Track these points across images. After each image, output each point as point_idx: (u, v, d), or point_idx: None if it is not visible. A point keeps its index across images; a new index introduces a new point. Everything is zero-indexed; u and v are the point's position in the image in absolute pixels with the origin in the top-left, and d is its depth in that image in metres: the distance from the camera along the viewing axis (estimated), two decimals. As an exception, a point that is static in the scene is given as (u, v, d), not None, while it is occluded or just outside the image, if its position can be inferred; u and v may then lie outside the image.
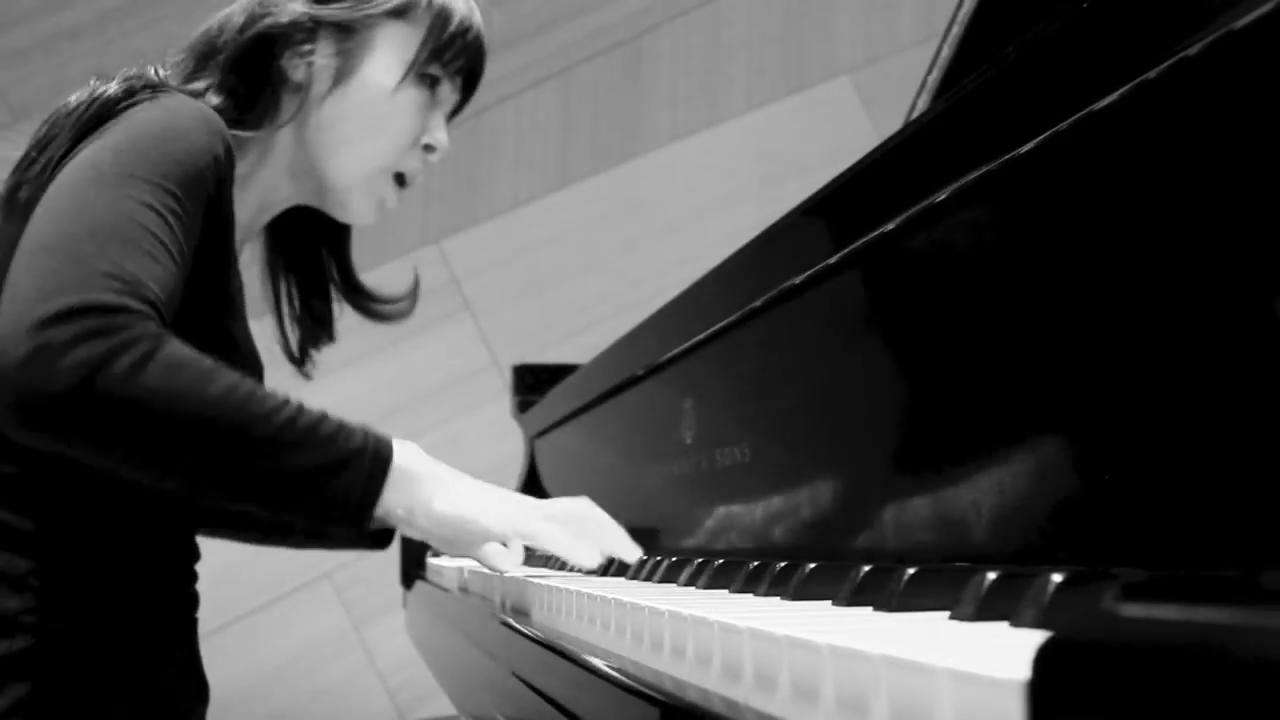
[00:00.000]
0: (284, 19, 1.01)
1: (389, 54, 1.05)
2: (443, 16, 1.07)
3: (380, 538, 1.28)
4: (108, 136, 0.87)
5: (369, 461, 0.85)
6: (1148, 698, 0.24)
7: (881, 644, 0.38)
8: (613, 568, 1.05)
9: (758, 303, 0.93)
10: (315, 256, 1.19)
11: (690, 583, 0.84)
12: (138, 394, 0.75)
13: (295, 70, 1.02)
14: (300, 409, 0.83)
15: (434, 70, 1.07)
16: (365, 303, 1.22)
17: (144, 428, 0.77)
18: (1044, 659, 0.27)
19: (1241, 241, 0.47)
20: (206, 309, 0.91)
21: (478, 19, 1.11)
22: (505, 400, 2.41)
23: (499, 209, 2.97)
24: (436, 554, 1.81)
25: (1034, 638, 0.29)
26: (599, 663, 0.62)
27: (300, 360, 1.20)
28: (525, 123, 3.01)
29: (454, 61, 1.08)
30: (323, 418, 0.84)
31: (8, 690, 0.85)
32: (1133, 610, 0.26)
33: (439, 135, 1.10)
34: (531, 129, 3.01)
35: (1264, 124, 0.46)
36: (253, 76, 1.01)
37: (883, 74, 3.03)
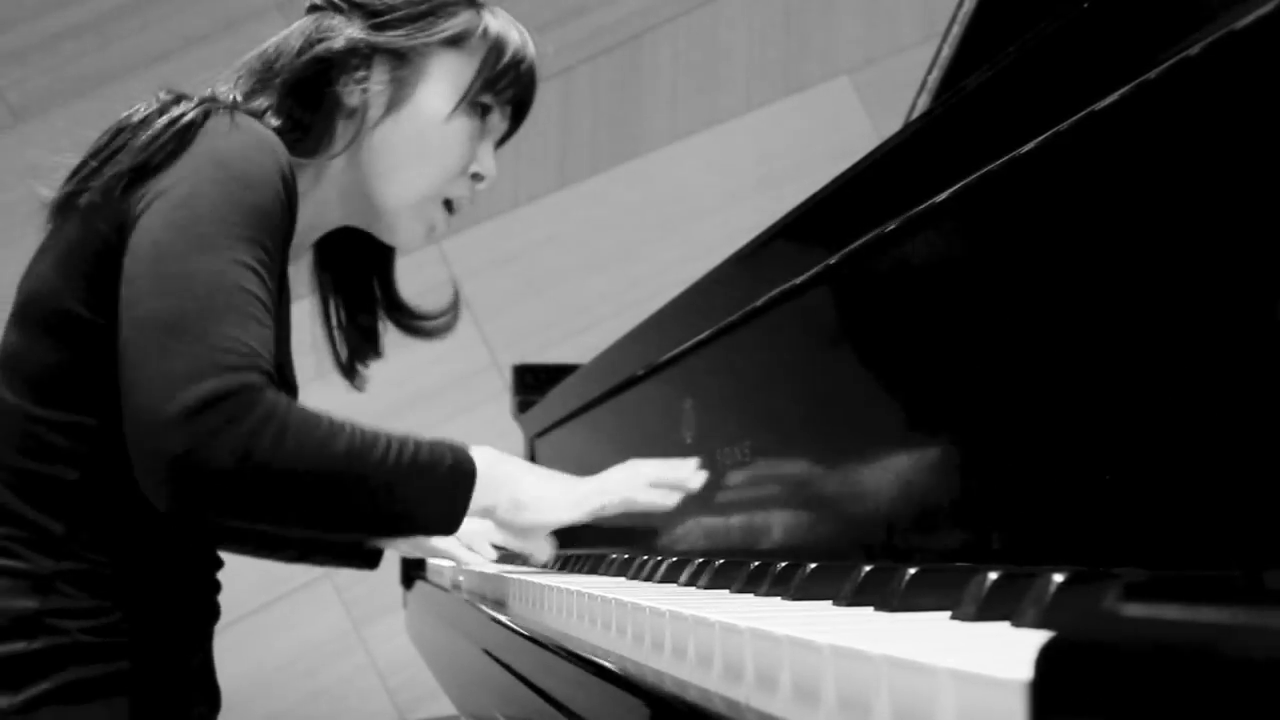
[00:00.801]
0: (340, 44, 1.02)
1: (442, 82, 1.06)
2: (498, 47, 1.08)
3: (371, 557, 1.33)
4: (195, 178, 0.89)
5: (461, 476, 0.94)
6: (1149, 698, 0.24)
7: (883, 644, 0.38)
8: (613, 567, 1.05)
9: (758, 303, 0.93)
10: (363, 275, 1.21)
11: (691, 583, 0.84)
12: (283, 468, 0.83)
13: (350, 96, 1.03)
14: (400, 446, 0.91)
15: (486, 99, 1.08)
16: (408, 321, 1.25)
17: (291, 494, 0.85)
18: (1046, 659, 0.27)
19: (1242, 242, 0.47)
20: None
21: (531, 50, 1.13)
22: (505, 400, 2.41)
23: (499, 209, 2.97)
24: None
25: (1036, 638, 0.29)
26: (601, 662, 0.62)
27: (350, 373, 1.22)
28: (525, 122, 3.01)
29: (506, 91, 1.10)
30: (416, 448, 0.92)
31: (26, 688, 0.87)
32: (1134, 610, 0.26)
33: (487, 163, 1.11)
34: (531, 129, 3.00)
35: (1264, 124, 0.46)
36: (308, 101, 1.02)
37: (883, 74, 3.03)
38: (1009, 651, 0.36)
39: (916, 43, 2.98)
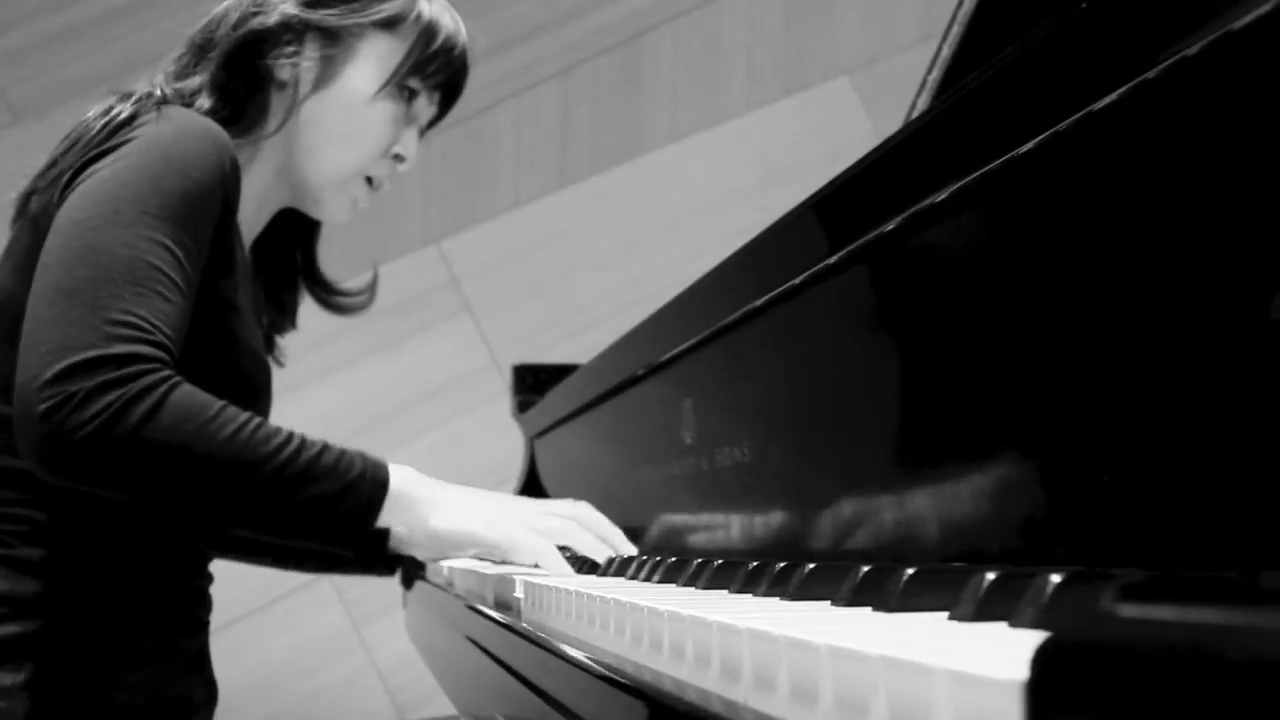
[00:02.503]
0: (273, 20, 1.03)
1: (371, 63, 1.07)
2: (428, 33, 1.09)
3: (391, 563, 1.34)
4: (120, 163, 0.90)
5: (368, 487, 0.91)
6: (1146, 698, 0.24)
7: (880, 644, 0.38)
8: (613, 567, 1.05)
9: (758, 303, 0.93)
10: (287, 251, 1.22)
11: (690, 583, 0.84)
12: (150, 442, 0.81)
13: (280, 70, 1.04)
14: (302, 444, 0.88)
15: (413, 84, 1.09)
16: (327, 295, 1.26)
17: (158, 472, 0.83)
18: (1042, 659, 0.27)
19: (1241, 242, 0.47)
20: (215, 317, 0.94)
21: (463, 37, 1.13)
22: (505, 400, 2.41)
23: (499, 209, 2.97)
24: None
25: (1033, 638, 0.29)
26: (599, 662, 0.62)
27: (269, 347, 1.22)
28: (525, 123, 3.01)
29: (434, 76, 1.11)
30: (323, 450, 0.89)
31: (20, 669, 0.88)
32: (1131, 611, 0.26)
33: (409, 146, 1.13)
34: (531, 129, 3.01)
35: (1264, 124, 0.46)
36: (241, 75, 1.03)
37: (883, 74, 3.03)
38: (1006, 652, 0.36)
39: (916, 43, 2.98)
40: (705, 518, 1.07)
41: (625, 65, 3.05)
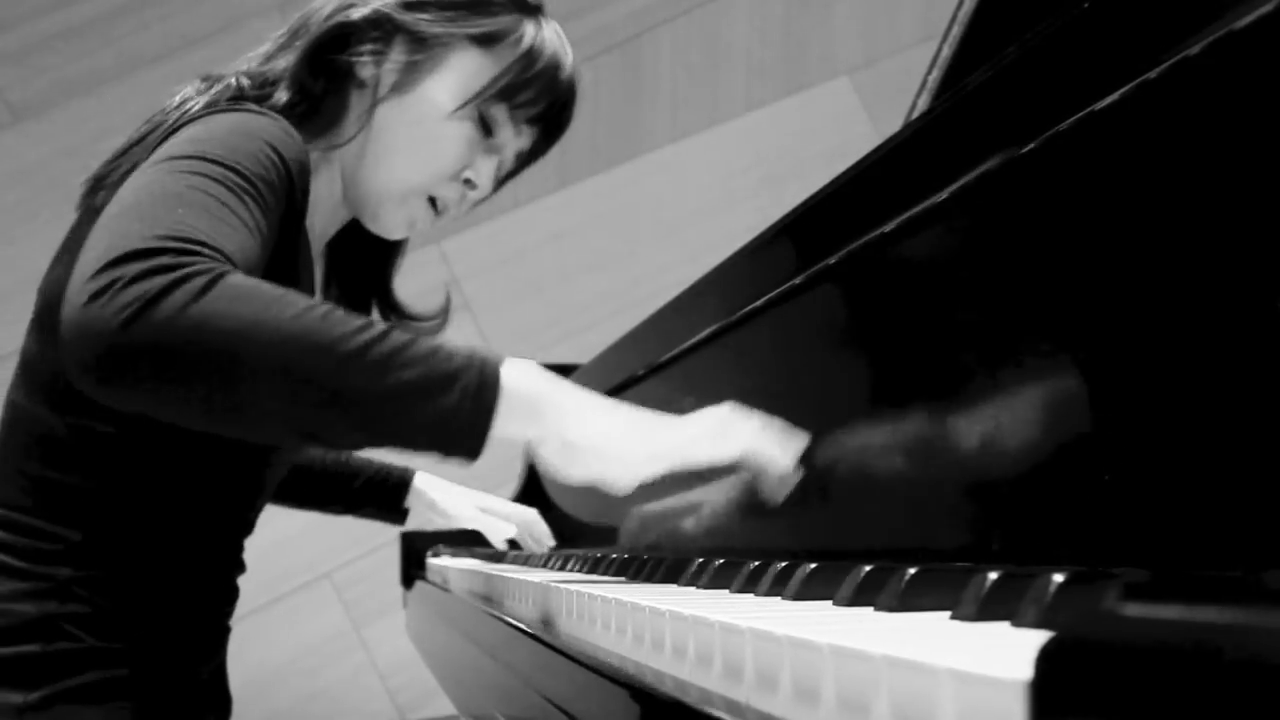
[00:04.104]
0: (362, 13, 0.99)
1: (455, 78, 1.01)
2: (526, 60, 1.02)
3: (397, 511, 1.34)
4: (187, 131, 0.86)
5: (475, 382, 0.72)
6: (1149, 698, 0.24)
7: (883, 644, 0.38)
8: (613, 567, 1.05)
9: (758, 303, 0.93)
10: (362, 270, 1.18)
11: (691, 583, 0.84)
12: (199, 322, 0.66)
13: (362, 68, 1.00)
14: (389, 329, 0.71)
15: (497, 111, 1.03)
16: (401, 321, 1.21)
17: (211, 360, 0.67)
18: (1045, 659, 0.27)
19: (1242, 241, 0.47)
20: None
21: (567, 72, 1.06)
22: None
23: (499, 209, 2.97)
24: (437, 554, 1.81)
25: (1035, 638, 0.29)
26: (600, 662, 0.62)
27: None
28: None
29: (525, 108, 1.04)
30: (415, 339, 0.71)
31: (39, 688, 0.88)
32: (1134, 610, 0.26)
33: (482, 174, 1.05)
34: (531, 129, 3.01)
35: (1264, 124, 0.46)
36: (322, 69, 0.99)
37: (883, 74, 3.03)
38: (1009, 651, 0.36)
39: (916, 43, 2.98)
40: (705, 517, 1.07)
41: (625, 65, 3.05)
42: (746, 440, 0.77)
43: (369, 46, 0.99)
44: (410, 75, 1.00)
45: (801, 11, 3.09)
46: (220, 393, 0.69)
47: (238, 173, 0.80)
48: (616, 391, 1.35)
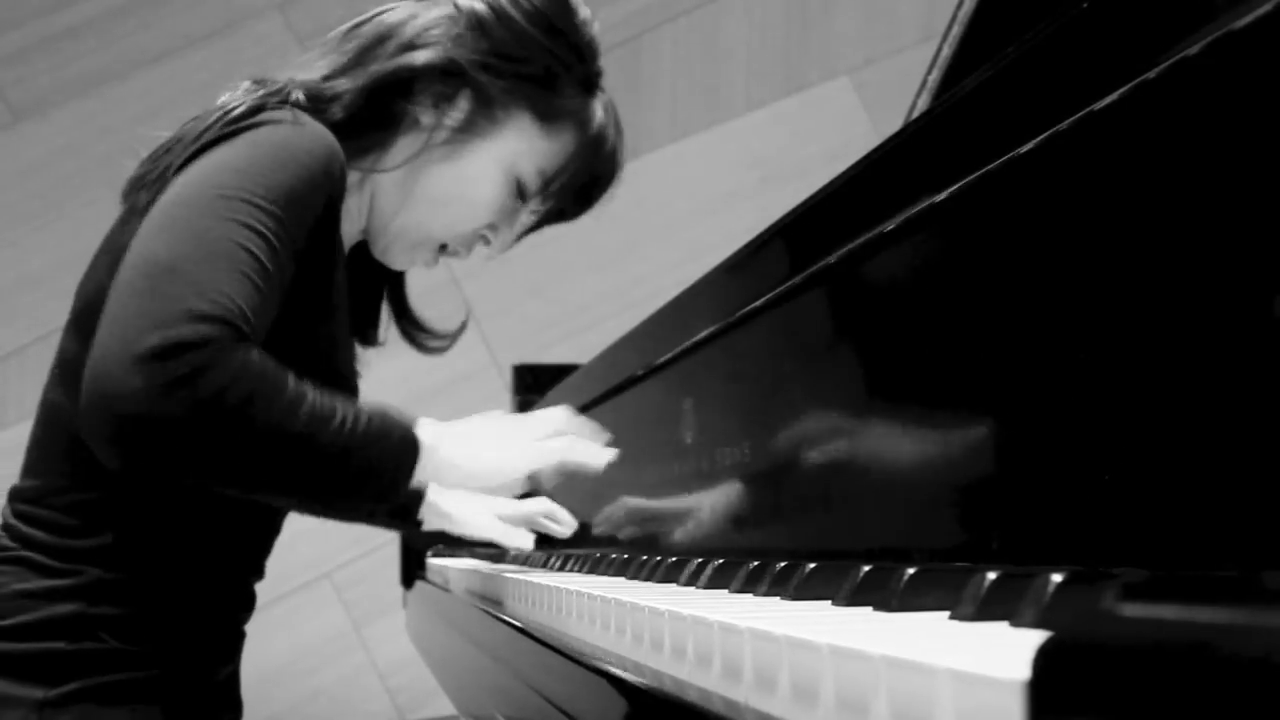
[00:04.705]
0: (436, 58, 0.98)
1: (508, 147, 1.01)
2: (586, 149, 1.03)
3: (412, 517, 1.34)
4: (229, 150, 0.87)
5: (406, 451, 0.89)
6: (1147, 697, 0.24)
7: (881, 644, 0.38)
8: (613, 567, 1.05)
9: (758, 303, 0.93)
10: (375, 277, 1.18)
11: (690, 583, 0.84)
12: (238, 426, 0.78)
13: (423, 114, 0.99)
14: (355, 415, 0.85)
15: (533, 187, 1.03)
16: (412, 330, 1.22)
17: (238, 454, 0.80)
18: (1044, 659, 0.27)
19: (1241, 241, 0.47)
20: (307, 316, 0.92)
21: (610, 147, 1.06)
22: (505, 400, 2.41)
23: (499, 209, 2.97)
24: (437, 554, 1.81)
25: (1034, 638, 0.29)
26: (600, 662, 0.62)
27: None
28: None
29: (570, 189, 1.05)
30: (369, 419, 0.86)
31: (61, 684, 0.88)
32: (1132, 610, 0.26)
33: (503, 237, 1.07)
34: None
35: (1264, 124, 0.46)
36: (381, 102, 0.98)
37: (883, 74, 3.03)
38: (1008, 651, 0.36)
39: (916, 43, 2.98)
40: (705, 517, 1.07)
41: (625, 65, 3.05)
42: (561, 450, 0.99)
43: (434, 94, 0.99)
44: (466, 132, 1.00)
45: (801, 11, 3.09)
46: (232, 474, 0.82)
47: (266, 211, 0.84)
48: (616, 391, 1.35)
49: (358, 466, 0.85)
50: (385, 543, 2.67)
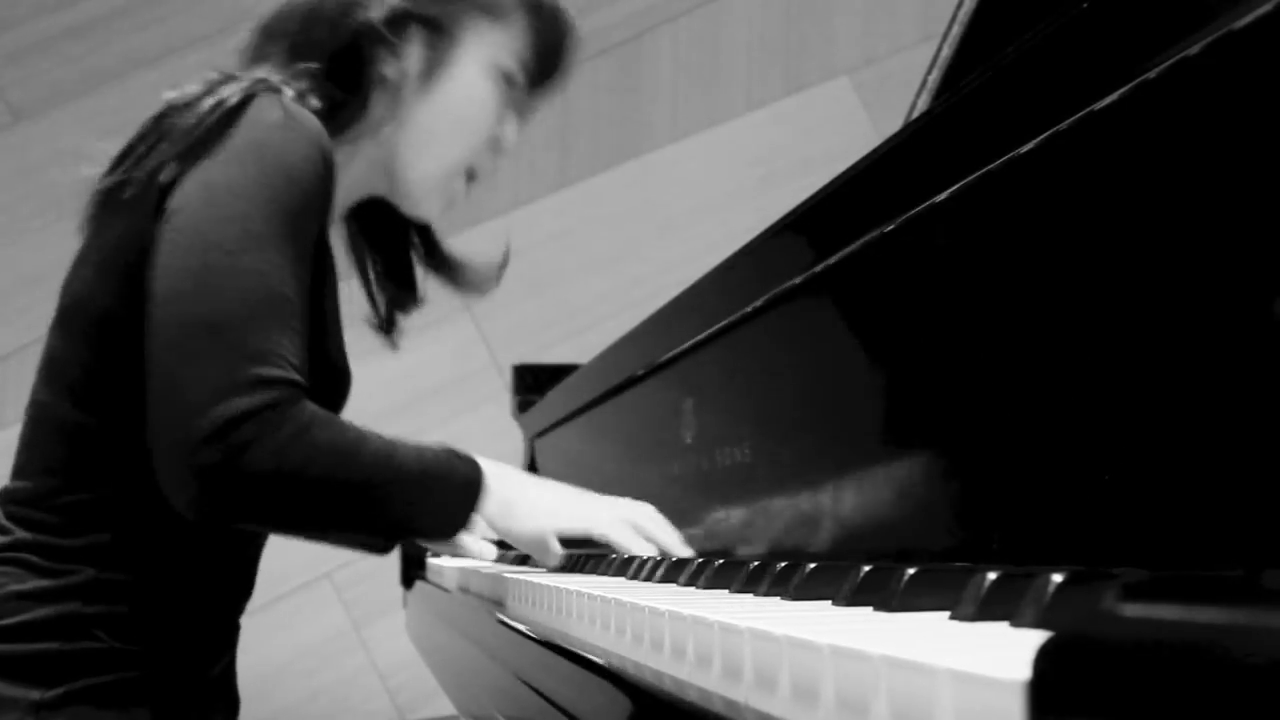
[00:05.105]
0: (374, 13, 0.98)
1: (479, 54, 1.03)
2: (538, 20, 1.06)
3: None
4: (235, 168, 0.86)
5: (469, 489, 0.95)
6: (1148, 697, 0.24)
7: (881, 644, 0.38)
8: (613, 567, 1.05)
9: (758, 303, 0.93)
10: (400, 233, 1.18)
11: (690, 583, 0.84)
12: (310, 480, 0.84)
13: (386, 67, 1.00)
14: (417, 455, 0.91)
15: (518, 74, 1.06)
16: (451, 272, 1.22)
17: (312, 505, 0.86)
18: (1044, 659, 0.27)
19: (1241, 241, 0.47)
20: (314, 321, 0.93)
21: (568, 19, 1.10)
22: (505, 400, 2.41)
23: (499, 209, 2.97)
24: (436, 554, 1.81)
25: (1034, 638, 0.29)
26: (600, 662, 0.62)
27: (388, 328, 1.20)
28: (525, 123, 3.01)
29: (544, 63, 1.08)
30: (434, 458, 0.92)
31: (57, 685, 0.88)
32: (1133, 610, 0.26)
33: (510, 133, 1.10)
34: (531, 129, 3.01)
35: (1264, 124, 0.46)
36: (346, 74, 0.99)
37: (883, 74, 3.03)
38: (1008, 651, 0.36)
39: (916, 43, 2.98)
40: (705, 517, 1.07)
41: (625, 65, 3.05)
42: (607, 527, 1.04)
43: (388, 46, 0.99)
44: (435, 64, 1.01)
45: (801, 11, 3.09)
46: (309, 522, 0.90)
47: (291, 242, 0.86)
48: (616, 391, 1.35)
49: (421, 504, 0.92)
50: (385, 543, 2.67)
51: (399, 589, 1.92)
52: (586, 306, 2.94)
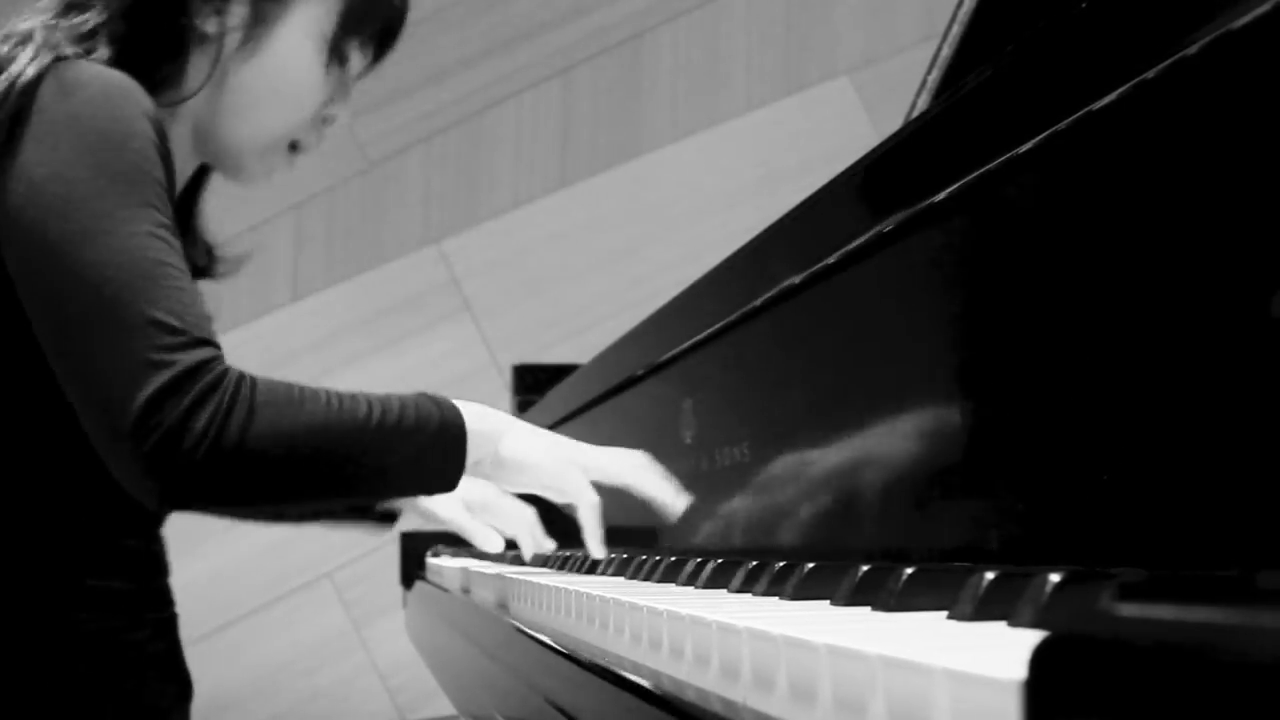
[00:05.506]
0: None
1: (306, 20, 0.98)
2: None
3: (388, 516, 1.29)
4: (59, 152, 0.82)
5: (452, 437, 0.91)
6: (1145, 697, 0.24)
7: (879, 643, 0.38)
8: (612, 567, 1.05)
9: (758, 303, 0.93)
10: (194, 192, 1.12)
11: (689, 582, 0.84)
12: (256, 446, 0.78)
13: (206, 24, 0.95)
14: (384, 407, 0.87)
15: (347, 43, 1.01)
16: (203, 253, 1.14)
17: (271, 473, 0.80)
18: (1041, 659, 0.27)
19: (1241, 241, 0.47)
20: None
21: None
22: (505, 400, 2.41)
23: (499, 209, 2.97)
24: (436, 554, 1.81)
25: (1031, 637, 0.29)
26: (599, 662, 0.62)
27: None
28: (525, 123, 3.01)
29: (370, 28, 1.02)
30: (401, 408, 0.88)
31: None
32: (1130, 610, 0.26)
33: (340, 108, 1.04)
34: (531, 129, 3.01)
35: (1264, 124, 0.46)
36: (154, 25, 0.93)
37: (883, 74, 3.03)
38: (1005, 651, 0.36)
39: (916, 43, 2.98)
40: (705, 517, 1.07)
41: (625, 65, 3.05)
42: (630, 472, 1.00)
43: (209, 3, 0.95)
44: (259, 26, 0.97)
45: (801, 11, 3.09)
46: (276, 493, 0.82)
47: (151, 207, 0.82)
48: (616, 391, 1.35)
49: (401, 458, 0.87)
50: (385, 543, 2.67)
51: (399, 589, 1.92)
52: (586, 306, 2.94)
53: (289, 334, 2.84)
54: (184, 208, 1.10)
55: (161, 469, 0.77)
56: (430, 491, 0.92)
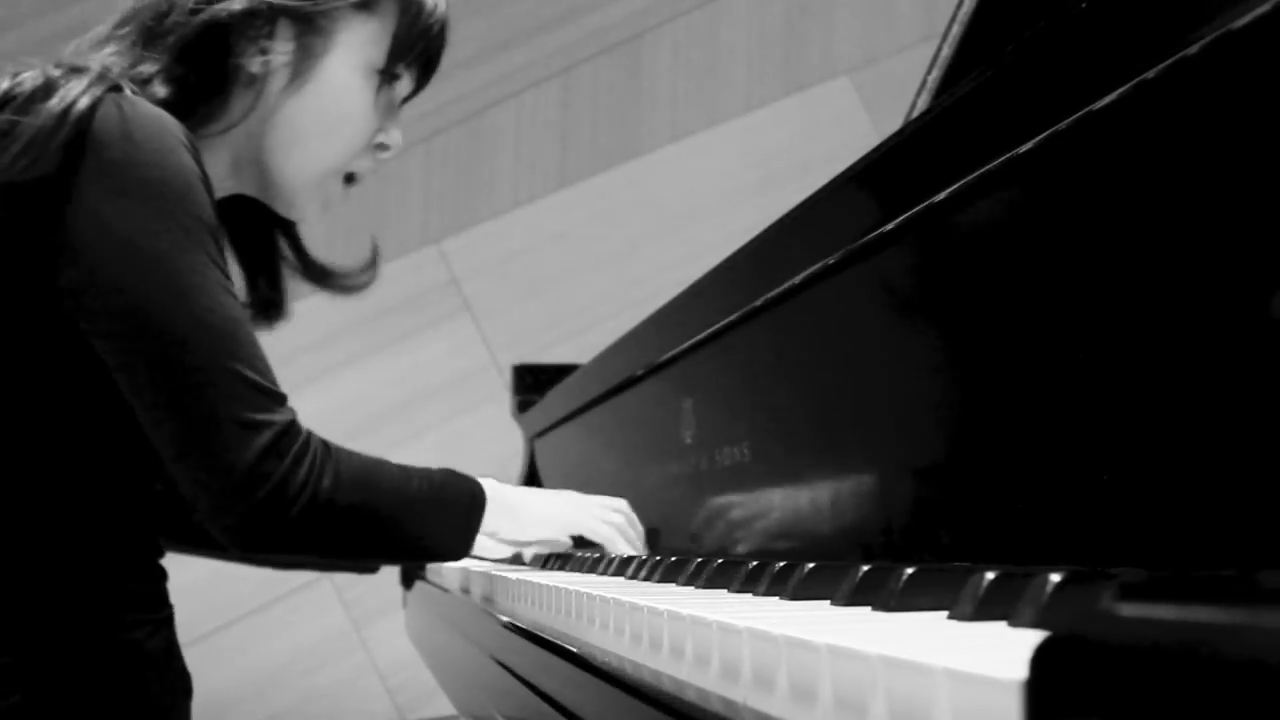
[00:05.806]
0: (239, 5, 0.94)
1: (352, 51, 0.99)
2: (410, 12, 1.01)
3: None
4: (135, 206, 0.84)
5: (475, 511, 1.01)
6: (1145, 697, 0.24)
7: (879, 644, 0.38)
8: (612, 566, 1.05)
9: (758, 303, 0.93)
10: (264, 237, 1.13)
11: (689, 582, 0.84)
12: (343, 503, 0.90)
13: (251, 64, 0.96)
14: (425, 480, 0.97)
15: (396, 70, 1.02)
16: (323, 278, 1.16)
17: (346, 528, 0.91)
18: (1041, 659, 0.27)
19: (1241, 241, 0.47)
20: None
21: (442, 8, 1.05)
22: (505, 400, 2.41)
23: (499, 209, 2.97)
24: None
25: (1032, 637, 0.29)
26: (599, 662, 0.62)
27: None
28: (525, 123, 3.01)
29: (418, 57, 1.03)
30: (442, 483, 0.99)
31: None
32: (1130, 610, 0.26)
33: (395, 135, 1.05)
34: (531, 129, 3.01)
35: (1264, 124, 0.46)
36: (203, 67, 0.94)
37: (883, 74, 3.03)
38: (1006, 651, 0.36)
39: (916, 43, 2.98)
40: (705, 518, 1.07)
41: (625, 65, 3.05)
42: (592, 526, 1.12)
43: (254, 41, 0.96)
44: (306, 60, 0.97)
45: (801, 11, 3.09)
46: (343, 547, 0.94)
47: (211, 261, 0.87)
48: (616, 391, 1.35)
49: (435, 527, 0.98)
50: (385, 543, 2.67)
51: (399, 589, 1.92)
52: (586, 306, 2.94)
53: (289, 334, 2.84)
54: (290, 239, 1.14)
55: (263, 521, 0.85)
56: (446, 559, 1.03)
